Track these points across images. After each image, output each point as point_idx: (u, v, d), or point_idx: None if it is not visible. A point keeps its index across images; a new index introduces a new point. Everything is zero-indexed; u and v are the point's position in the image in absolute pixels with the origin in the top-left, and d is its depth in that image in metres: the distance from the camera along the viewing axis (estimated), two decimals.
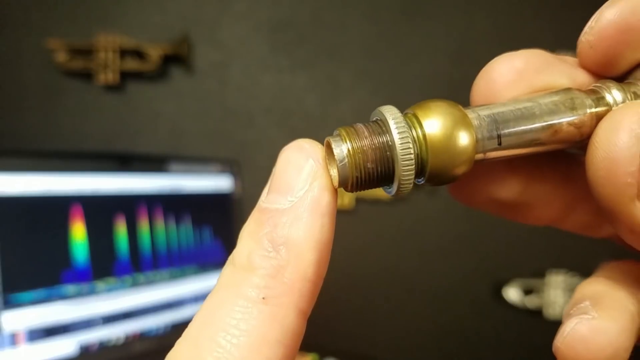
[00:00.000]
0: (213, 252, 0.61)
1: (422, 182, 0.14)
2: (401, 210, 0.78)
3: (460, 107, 0.14)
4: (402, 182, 0.13)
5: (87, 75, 0.76)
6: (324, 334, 0.77)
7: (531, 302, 0.75)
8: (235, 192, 0.65)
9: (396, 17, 0.78)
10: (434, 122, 0.13)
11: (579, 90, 0.14)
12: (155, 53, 0.74)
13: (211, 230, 0.61)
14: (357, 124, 0.14)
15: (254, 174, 0.74)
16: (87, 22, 0.76)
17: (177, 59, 0.77)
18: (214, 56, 0.78)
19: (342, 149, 0.13)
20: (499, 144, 0.14)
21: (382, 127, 0.14)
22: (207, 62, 0.78)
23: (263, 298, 0.12)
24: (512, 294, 0.75)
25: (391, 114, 0.13)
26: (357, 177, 0.13)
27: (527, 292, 0.75)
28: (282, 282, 0.12)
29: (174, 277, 0.56)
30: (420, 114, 0.14)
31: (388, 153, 0.13)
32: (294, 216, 0.12)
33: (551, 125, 0.14)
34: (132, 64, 0.75)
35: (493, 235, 0.76)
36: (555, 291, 0.74)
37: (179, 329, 0.56)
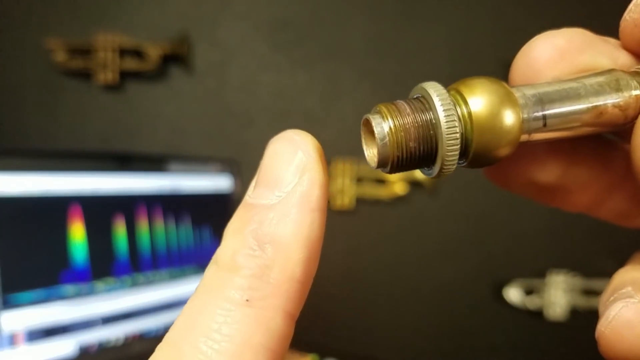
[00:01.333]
0: (213, 252, 0.61)
1: (464, 163, 0.13)
2: (401, 210, 0.78)
3: (506, 84, 0.13)
4: (446, 163, 0.12)
5: (86, 75, 0.76)
6: (324, 334, 0.77)
7: (532, 302, 0.75)
8: (235, 192, 0.65)
9: (396, 17, 0.78)
10: (480, 100, 0.12)
11: (623, 71, 0.14)
12: (154, 53, 0.74)
13: (211, 230, 0.61)
14: (398, 100, 0.13)
15: (254, 174, 0.74)
16: (86, 22, 0.76)
17: (176, 58, 0.76)
18: (214, 56, 0.78)
19: (383, 126, 0.12)
20: (544, 124, 0.13)
21: (425, 104, 0.13)
22: (206, 61, 0.78)
23: (247, 300, 0.11)
24: (513, 294, 0.75)
25: (435, 90, 0.12)
26: (398, 157, 0.12)
27: (528, 292, 0.75)
28: (268, 283, 0.11)
29: (173, 277, 0.56)
30: (465, 90, 0.13)
31: (432, 131, 0.12)
32: (282, 212, 0.12)
33: (596, 106, 0.13)
34: (131, 64, 0.75)
35: (493, 236, 0.76)
36: (556, 292, 0.73)
37: None
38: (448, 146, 0.12)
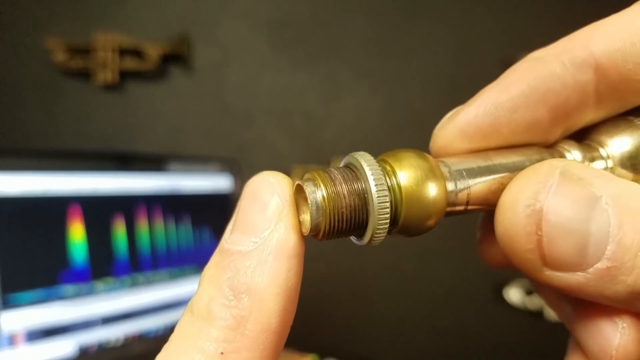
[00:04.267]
0: (212, 252, 0.61)
1: (393, 231, 0.13)
2: None
3: (431, 158, 0.14)
4: (377, 231, 0.13)
5: (86, 75, 0.76)
6: (324, 334, 0.77)
7: (532, 302, 0.75)
8: (235, 191, 0.65)
9: (396, 16, 0.78)
10: (409, 172, 0.13)
11: (544, 147, 0.15)
12: (154, 52, 0.74)
13: (210, 230, 0.61)
14: (329, 169, 0.13)
15: (254, 174, 0.74)
16: (86, 22, 0.76)
17: (176, 58, 0.76)
18: (214, 55, 0.78)
19: (316, 194, 0.12)
20: (468, 197, 0.14)
21: (356, 173, 0.13)
22: (206, 61, 0.78)
23: (221, 353, 0.11)
24: (513, 294, 0.75)
25: (366, 161, 0.13)
26: (330, 225, 0.12)
27: (528, 292, 0.75)
28: (243, 335, 0.11)
29: (173, 277, 0.56)
30: (394, 163, 0.13)
31: (363, 201, 0.13)
32: (258, 260, 0.11)
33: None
34: (131, 63, 0.75)
35: None
36: None
37: None
38: (379, 215, 0.12)
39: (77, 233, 0.48)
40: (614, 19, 0.15)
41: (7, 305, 0.43)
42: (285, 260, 0.11)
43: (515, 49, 0.80)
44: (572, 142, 0.16)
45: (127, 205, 0.53)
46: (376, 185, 0.12)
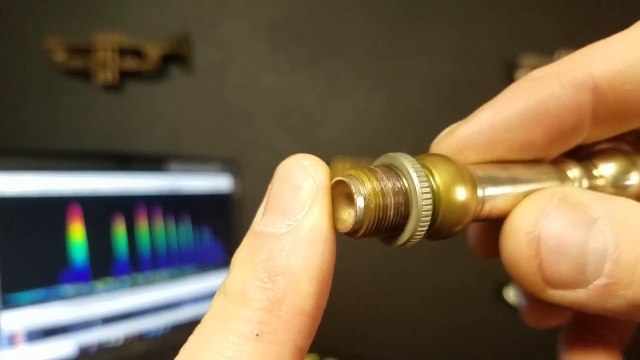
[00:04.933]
0: (212, 252, 0.61)
1: (425, 235, 0.13)
2: None
3: (461, 162, 0.14)
4: (417, 232, 0.12)
5: (86, 75, 0.76)
6: (324, 334, 0.77)
7: None
8: (235, 191, 0.65)
9: (397, 16, 0.78)
10: (447, 176, 0.13)
11: (551, 165, 0.16)
12: (154, 52, 0.74)
13: (211, 230, 0.61)
14: (370, 166, 0.13)
15: (254, 174, 0.74)
16: (86, 21, 0.76)
17: (176, 58, 0.76)
18: (214, 55, 0.78)
19: (364, 190, 0.12)
20: (492, 206, 0.14)
21: (398, 173, 0.13)
22: (206, 61, 0.78)
23: (257, 335, 0.11)
24: (513, 294, 0.75)
25: (409, 161, 0.13)
26: (374, 223, 0.12)
27: None
28: (278, 317, 0.11)
29: (173, 277, 0.56)
30: (430, 165, 0.13)
31: (407, 201, 0.12)
32: (293, 243, 0.11)
33: (533, 190, 0.15)
34: (131, 63, 0.75)
35: None
36: None
37: (178, 329, 0.56)
38: (422, 216, 0.12)
39: (77, 233, 0.48)
40: (615, 39, 0.15)
41: (7, 305, 0.43)
42: (319, 244, 0.11)
43: (516, 50, 0.80)
44: (573, 162, 0.16)
45: (127, 205, 0.53)
46: (421, 185, 0.12)
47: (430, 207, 0.12)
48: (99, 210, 0.50)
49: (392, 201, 0.12)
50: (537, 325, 0.19)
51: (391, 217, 0.12)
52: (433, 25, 0.78)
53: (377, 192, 0.12)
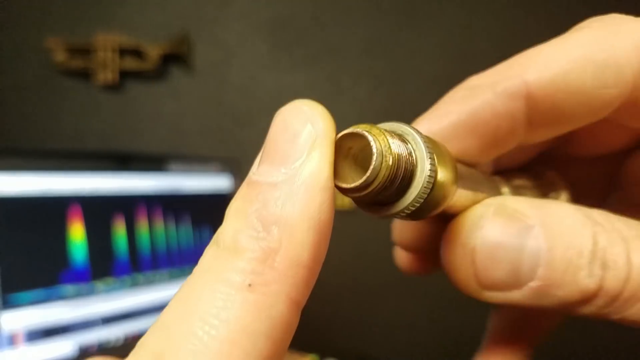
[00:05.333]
0: None
1: (409, 212, 0.13)
2: None
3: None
4: (414, 203, 0.12)
5: (86, 75, 0.76)
6: (324, 334, 0.77)
7: None
8: (235, 191, 0.65)
9: (396, 16, 0.78)
10: (447, 156, 0.13)
11: (495, 177, 0.17)
12: (154, 52, 0.74)
13: (211, 229, 0.61)
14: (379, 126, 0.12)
15: None
16: (87, 22, 0.76)
17: (176, 58, 0.76)
18: (214, 55, 0.78)
19: (379, 144, 0.11)
20: (457, 198, 0.15)
21: (405, 140, 0.12)
22: (206, 61, 0.78)
23: (249, 285, 0.10)
24: None
25: (416, 131, 0.12)
26: (384, 182, 0.11)
27: None
28: (272, 268, 0.10)
29: (173, 277, 0.56)
30: (430, 142, 0.13)
31: (412, 168, 0.12)
32: (289, 191, 0.11)
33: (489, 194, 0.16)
34: (131, 63, 0.75)
35: None
36: None
37: None
38: (424, 187, 0.12)
39: (77, 233, 0.48)
40: (549, 47, 0.16)
41: (7, 305, 0.43)
42: (318, 192, 0.11)
43: (516, 50, 0.80)
44: (516, 172, 0.17)
45: (127, 205, 0.53)
46: (428, 156, 0.12)
47: (432, 180, 0.12)
48: (99, 211, 0.50)
49: (403, 165, 0.12)
50: (410, 272, 0.20)
51: (398, 181, 0.12)
52: (432, 26, 0.77)
53: (393, 152, 0.12)
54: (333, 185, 0.11)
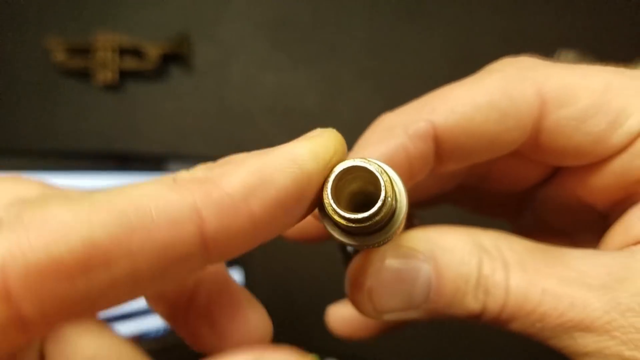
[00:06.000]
0: None
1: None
2: (425, 213, 0.78)
3: None
4: (397, 232, 0.14)
5: (85, 75, 0.76)
6: (324, 334, 0.77)
7: None
8: None
9: (397, 16, 0.78)
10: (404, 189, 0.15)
11: None
12: (154, 52, 0.74)
13: None
14: (369, 161, 0.14)
15: None
16: (86, 21, 0.76)
17: (176, 57, 0.76)
18: (214, 55, 0.78)
19: (385, 183, 0.13)
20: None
21: (391, 179, 0.14)
22: (206, 60, 0.78)
23: (174, 179, 0.12)
24: None
25: (390, 169, 0.14)
26: (384, 215, 0.13)
27: None
28: (205, 178, 0.12)
29: None
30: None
31: (397, 205, 0.14)
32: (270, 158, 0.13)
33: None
34: (131, 63, 0.75)
35: None
36: None
37: None
38: (404, 219, 0.14)
39: None
40: (458, 90, 0.18)
41: None
42: (294, 169, 0.13)
43: (516, 50, 0.80)
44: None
45: None
46: (406, 194, 0.14)
47: (405, 214, 0.14)
48: None
49: (393, 202, 0.13)
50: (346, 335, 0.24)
51: (390, 214, 0.13)
52: (432, 26, 0.77)
53: (394, 188, 0.13)
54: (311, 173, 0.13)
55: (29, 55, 0.77)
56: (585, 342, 0.15)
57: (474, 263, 0.16)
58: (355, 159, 0.13)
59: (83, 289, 0.10)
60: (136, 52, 0.75)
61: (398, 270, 0.16)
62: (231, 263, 0.62)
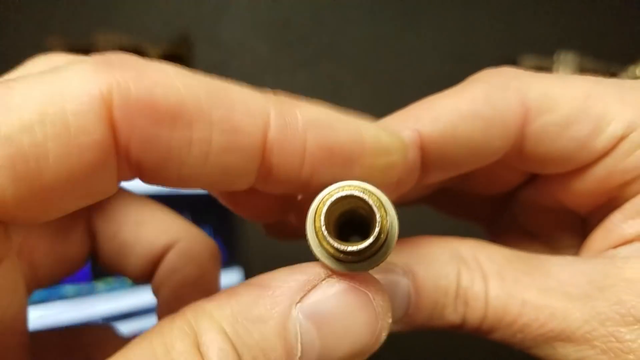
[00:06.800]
0: None
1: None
2: (402, 210, 0.78)
3: None
4: (387, 256, 0.13)
5: None
6: None
7: None
8: None
9: (397, 17, 0.78)
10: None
11: None
12: (154, 53, 0.74)
13: (211, 229, 0.61)
14: (367, 193, 0.14)
15: None
16: (87, 22, 0.76)
17: (176, 58, 0.76)
18: (214, 56, 0.78)
19: (380, 213, 0.13)
20: None
21: (383, 206, 0.14)
22: (207, 61, 0.78)
23: None
24: None
25: (383, 195, 0.14)
26: (379, 245, 0.13)
27: None
28: None
29: None
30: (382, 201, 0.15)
31: (387, 233, 0.13)
32: None
33: None
34: None
35: None
36: None
37: None
38: (394, 244, 0.14)
39: None
40: (443, 99, 0.18)
41: None
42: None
43: (516, 50, 0.80)
44: None
45: None
46: (396, 218, 0.14)
47: (395, 243, 0.14)
48: None
49: (385, 234, 0.13)
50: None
51: (378, 244, 0.13)
52: (432, 27, 0.78)
53: (387, 217, 0.13)
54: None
55: (29, 55, 0.77)
56: (566, 351, 0.15)
57: (452, 275, 0.16)
58: (352, 186, 0.13)
59: (164, 139, 0.12)
60: (136, 53, 0.75)
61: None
62: (231, 263, 0.63)
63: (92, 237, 0.18)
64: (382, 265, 0.14)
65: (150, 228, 0.19)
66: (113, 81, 0.12)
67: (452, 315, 0.16)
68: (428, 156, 0.17)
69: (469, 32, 0.77)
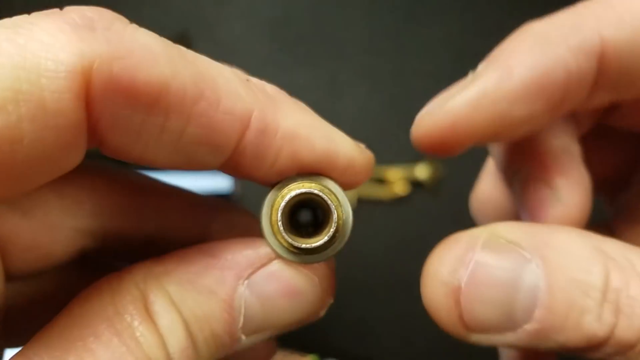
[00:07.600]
0: None
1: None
2: (403, 210, 0.78)
3: None
4: (340, 247, 0.14)
5: None
6: (324, 334, 0.77)
7: None
8: (235, 191, 0.65)
9: (397, 15, 0.78)
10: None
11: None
12: None
13: None
14: (320, 187, 0.14)
15: None
16: None
17: None
18: (214, 55, 0.78)
19: (337, 209, 0.13)
20: None
21: (337, 199, 0.14)
22: None
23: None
24: None
25: (341, 191, 0.14)
26: (336, 239, 0.13)
27: None
28: None
29: None
30: (337, 195, 0.15)
31: (342, 227, 0.14)
32: None
33: None
34: None
35: None
36: None
37: None
38: (348, 236, 0.14)
39: None
40: None
41: None
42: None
43: None
44: None
45: None
46: (352, 212, 0.14)
47: (349, 236, 0.14)
48: None
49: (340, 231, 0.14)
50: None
51: (334, 236, 0.13)
52: (432, 25, 0.77)
53: (343, 212, 0.14)
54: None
55: None
56: None
57: (597, 270, 0.11)
58: (312, 182, 0.13)
59: (136, 123, 0.11)
60: None
61: (493, 269, 0.12)
62: None
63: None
64: (499, 243, 0.12)
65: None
66: (95, 56, 0.10)
67: (594, 324, 0.11)
68: (606, 69, 0.13)
69: (469, 31, 0.77)
